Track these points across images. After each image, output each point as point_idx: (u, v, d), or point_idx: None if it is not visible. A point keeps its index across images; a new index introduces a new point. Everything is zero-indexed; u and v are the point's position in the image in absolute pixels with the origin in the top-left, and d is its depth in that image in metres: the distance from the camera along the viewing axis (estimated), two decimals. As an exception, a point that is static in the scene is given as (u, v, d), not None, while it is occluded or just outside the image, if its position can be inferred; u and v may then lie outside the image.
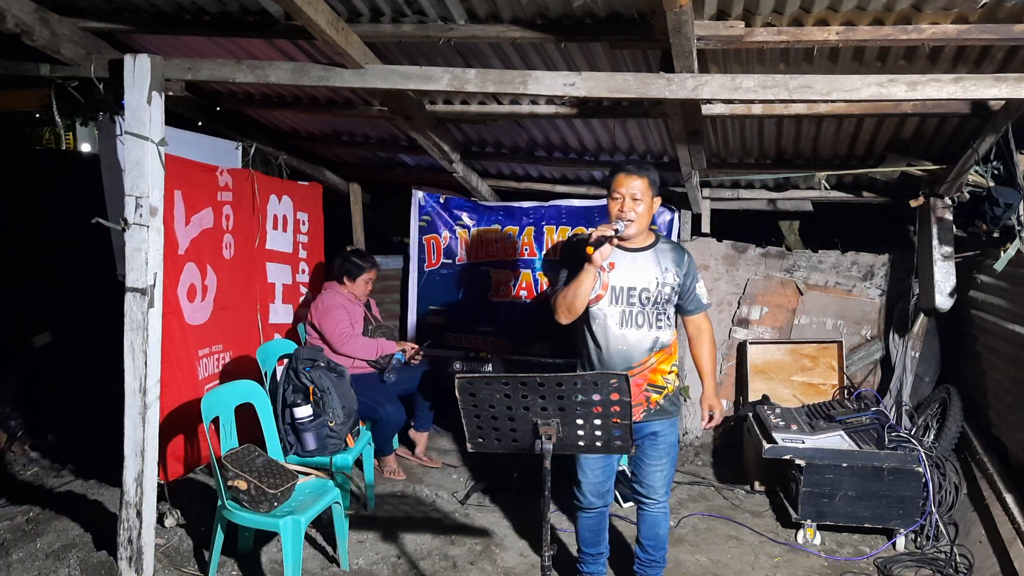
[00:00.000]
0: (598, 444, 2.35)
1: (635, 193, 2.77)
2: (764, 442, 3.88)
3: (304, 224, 5.04)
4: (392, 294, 5.79)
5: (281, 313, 4.74)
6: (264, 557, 3.46)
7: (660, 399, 2.89)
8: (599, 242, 2.65)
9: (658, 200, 2.88)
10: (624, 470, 4.00)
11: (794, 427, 4.01)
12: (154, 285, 3.08)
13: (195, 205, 3.75)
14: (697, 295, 2.97)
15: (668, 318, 2.92)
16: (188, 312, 3.70)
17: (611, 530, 3.32)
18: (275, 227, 4.68)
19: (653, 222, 4.91)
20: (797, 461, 3.74)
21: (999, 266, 3.58)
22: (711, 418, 3.01)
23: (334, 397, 3.75)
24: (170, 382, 3.50)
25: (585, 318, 2.86)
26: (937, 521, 3.65)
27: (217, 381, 3.88)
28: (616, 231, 2.68)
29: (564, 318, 2.81)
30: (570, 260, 2.86)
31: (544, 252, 5.29)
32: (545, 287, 5.24)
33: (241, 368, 4.03)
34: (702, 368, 3.05)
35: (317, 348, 4.06)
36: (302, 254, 5.00)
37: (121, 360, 3.08)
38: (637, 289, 2.83)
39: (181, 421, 3.57)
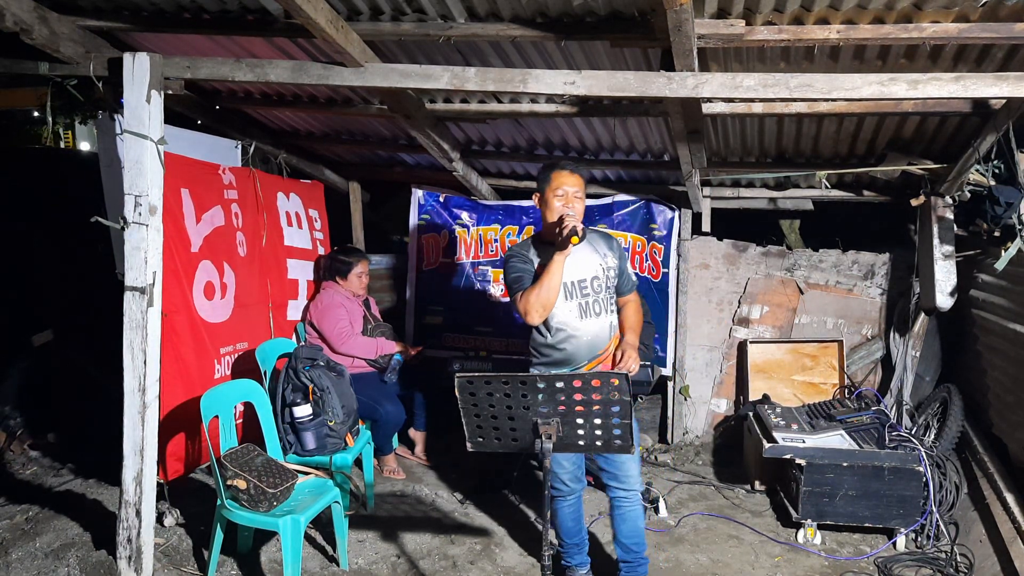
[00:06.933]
0: (598, 443, 2.35)
1: (577, 191, 2.87)
2: (764, 441, 3.88)
3: (317, 221, 5.06)
4: (391, 293, 5.79)
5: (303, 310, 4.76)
6: (263, 556, 3.46)
7: None
8: (575, 231, 2.67)
9: None
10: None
11: (794, 426, 4.01)
12: (153, 284, 3.08)
13: (204, 203, 3.74)
14: (628, 274, 3.10)
15: (615, 301, 3.03)
16: (206, 310, 3.69)
17: (592, 537, 3.36)
18: (290, 224, 4.69)
19: (653, 220, 5.05)
20: (797, 460, 3.74)
21: (1000, 265, 3.58)
22: (623, 356, 2.91)
23: (333, 396, 3.75)
24: (180, 381, 3.49)
25: (544, 322, 2.88)
26: (937, 520, 3.65)
27: None
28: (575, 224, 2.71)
29: (539, 317, 2.81)
30: (523, 264, 2.88)
31: None
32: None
33: (255, 366, 4.01)
34: (624, 324, 3.05)
35: (317, 347, 4.06)
36: (320, 251, 5.02)
37: (120, 359, 3.08)
38: (588, 279, 2.92)
39: (181, 420, 3.55)
